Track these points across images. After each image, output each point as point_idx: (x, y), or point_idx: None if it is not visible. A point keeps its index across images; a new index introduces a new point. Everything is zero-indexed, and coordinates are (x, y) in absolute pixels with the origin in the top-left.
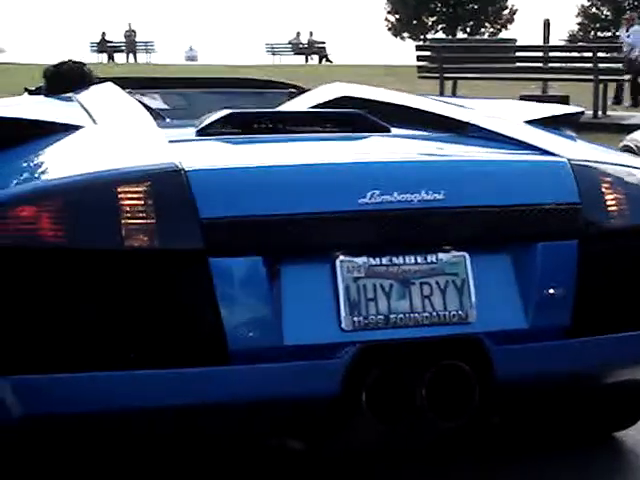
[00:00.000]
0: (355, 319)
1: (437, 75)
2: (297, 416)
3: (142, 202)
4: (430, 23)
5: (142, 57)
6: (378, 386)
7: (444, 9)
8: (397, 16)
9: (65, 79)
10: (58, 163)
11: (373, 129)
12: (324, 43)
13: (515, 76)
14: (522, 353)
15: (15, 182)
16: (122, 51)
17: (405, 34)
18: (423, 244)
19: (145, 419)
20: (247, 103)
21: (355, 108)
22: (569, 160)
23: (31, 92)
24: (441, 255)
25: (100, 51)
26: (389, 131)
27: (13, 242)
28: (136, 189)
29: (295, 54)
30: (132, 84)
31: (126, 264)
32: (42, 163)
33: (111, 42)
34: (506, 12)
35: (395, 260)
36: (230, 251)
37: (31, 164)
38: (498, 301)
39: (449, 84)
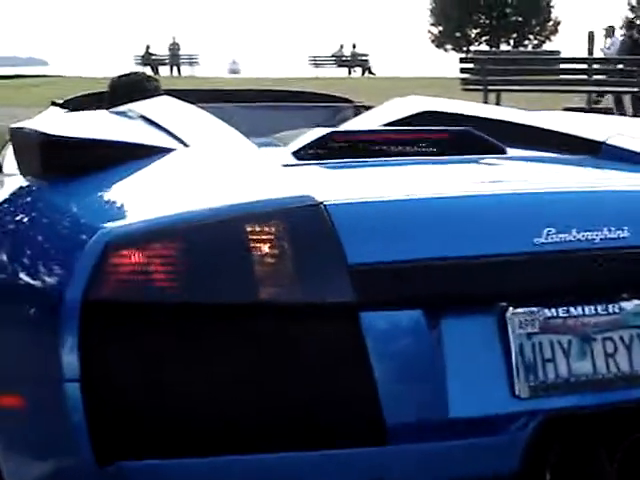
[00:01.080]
0: (532, 384)
1: (481, 87)
2: None
3: (277, 244)
4: (473, 35)
5: (186, 70)
6: (563, 464)
7: (487, 21)
8: (440, 28)
9: (134, 92)
10: (161, 195)
11: (486, 150)
12: (367, 55)
13: (559, 88)
14: None
15: (112, 220)
16: (166, 64)
17: (448, 46)
18: (603, 291)
19: None
20: (311, 118)
21: (442, 125)
22: None
23: (59, 106)
24: (624, 304)
25: (144, 64)
26: (505, 152)
27: (116, 295)
28: (270, 228)
29: (338, 66)
30: (183, 97)
31: (259, 321)
32: (140, 195)
33: (155, 55)
34: (550, 24)
35: (573, 311)
36: (385, 304)
37: (126, 196)
38: None
39: (492, 96)
